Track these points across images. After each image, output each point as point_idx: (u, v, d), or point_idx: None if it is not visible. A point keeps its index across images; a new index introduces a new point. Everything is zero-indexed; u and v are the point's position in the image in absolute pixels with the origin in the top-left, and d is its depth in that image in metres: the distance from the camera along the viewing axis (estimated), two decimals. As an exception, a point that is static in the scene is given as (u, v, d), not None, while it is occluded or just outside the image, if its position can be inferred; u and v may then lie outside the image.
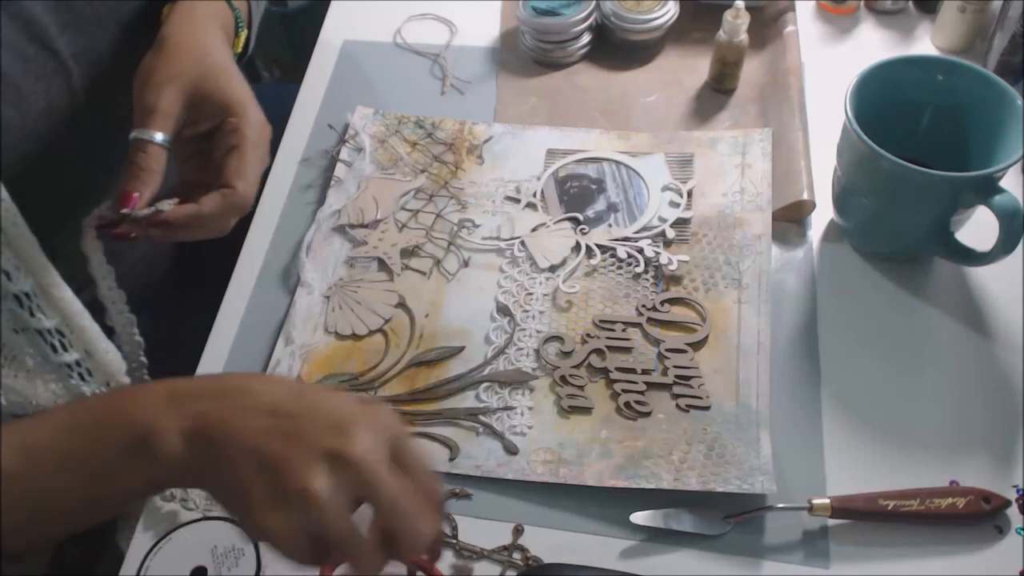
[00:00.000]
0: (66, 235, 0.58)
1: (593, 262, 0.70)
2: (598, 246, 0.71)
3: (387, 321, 0.68)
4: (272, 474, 0.41)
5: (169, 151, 0.57)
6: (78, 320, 0.59)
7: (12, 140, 0.57)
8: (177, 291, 0.83)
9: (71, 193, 0.63)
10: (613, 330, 0.66)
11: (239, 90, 0.59)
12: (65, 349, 0.58)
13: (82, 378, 0.61)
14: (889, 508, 0.56)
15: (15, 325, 0.56)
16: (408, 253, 0.72)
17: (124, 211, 0.55)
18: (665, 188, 0.74)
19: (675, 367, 0.64)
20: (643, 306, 0.67)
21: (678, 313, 0.67)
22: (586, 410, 0.63)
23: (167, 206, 0.56)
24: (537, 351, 0.66)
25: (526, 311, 0.68)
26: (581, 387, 0.64)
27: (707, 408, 0.62)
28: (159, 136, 0.56)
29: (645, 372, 0.64)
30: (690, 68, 0.84)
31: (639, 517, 0.57)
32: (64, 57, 0.60)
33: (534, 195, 0.74)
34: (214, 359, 0.67)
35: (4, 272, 0.54)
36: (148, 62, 0.58)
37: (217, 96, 0.58)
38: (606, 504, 0.58)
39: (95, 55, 0.63)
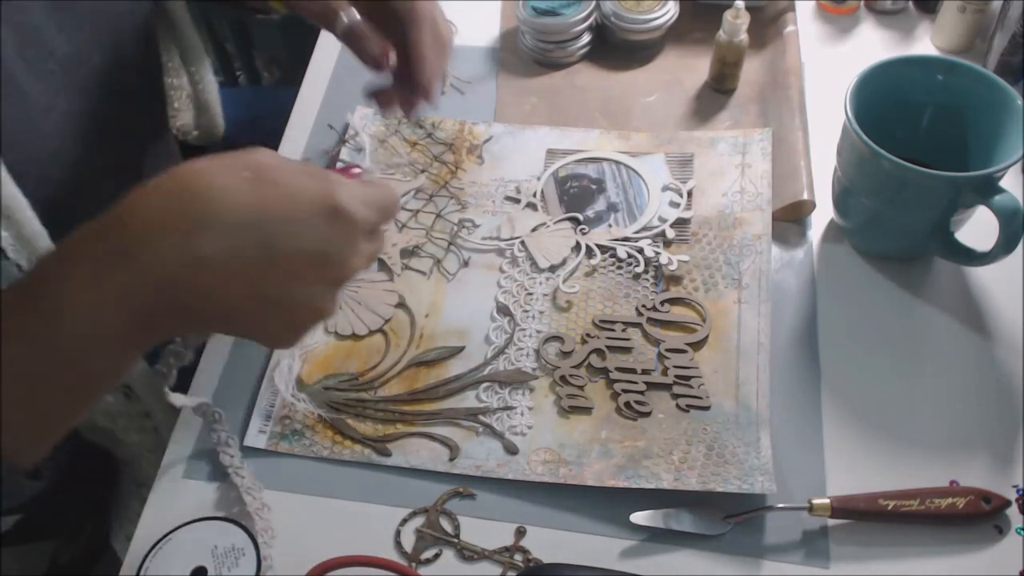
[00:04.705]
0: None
1: (593, 262, 0.70)
2: (598, 246, 0.71)
3: (387, 321, 0.68)
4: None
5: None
6: None
7: (15, 139, 0.57)
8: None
9: (83, 192, 0.63)
10: (613, 330, 0.66)
11: None
12: None
13: None
14: (889, 508, 0.56)
15: None
16: (408, 253, 0.72)
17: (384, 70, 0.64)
18: (665, 188, 0.74)
19: (675, 367, 0.64)
20: (643, 306, 0.67)
21: (678, 313, 0.67)
22: (586, 410, 0.63)
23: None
24: (537, 351, 0.66)
25: (526, 311, 0.68)
26: (581, 387, 0.64)
27: (707, 408, 0.62)
28: (347, 18, 0.63)
29: (645, 372, 0.64)
30: (690, 68, 0.84)
31: (639, 517, 0.57)
32: (59, 56, 0.61)
33: (534, 195, 0.74)
34: (214, 359, 0.67)
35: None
36: None
37: None
38: (606, 504, 0.58)
39: (87, 56, 0.64)
